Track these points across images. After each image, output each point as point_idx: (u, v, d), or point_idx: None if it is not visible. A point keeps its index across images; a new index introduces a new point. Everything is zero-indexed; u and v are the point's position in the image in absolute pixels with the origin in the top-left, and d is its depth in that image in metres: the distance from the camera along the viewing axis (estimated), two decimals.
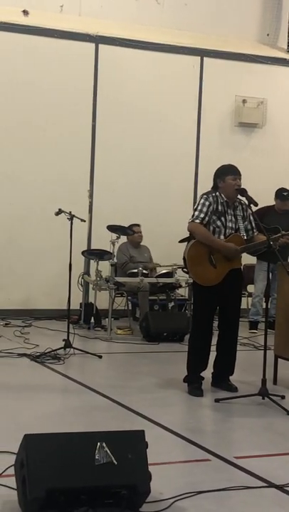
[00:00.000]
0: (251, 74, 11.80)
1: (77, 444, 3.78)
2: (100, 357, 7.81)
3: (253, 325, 10.04)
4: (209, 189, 6.56)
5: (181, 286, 10.03)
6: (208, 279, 6.30)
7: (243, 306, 8.22)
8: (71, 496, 3.62)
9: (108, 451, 3.72)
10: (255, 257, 9.43)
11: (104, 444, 3.72)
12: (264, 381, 6.04)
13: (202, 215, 6.29)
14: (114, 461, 3.71)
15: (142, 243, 10.36)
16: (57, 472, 3.64)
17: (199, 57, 11.55)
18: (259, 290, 9.94)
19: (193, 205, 11.05)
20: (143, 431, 3.90)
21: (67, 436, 3.93)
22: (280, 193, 9.85)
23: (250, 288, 10.30)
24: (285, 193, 9.84)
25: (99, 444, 3.72)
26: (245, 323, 9.83)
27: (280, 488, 4.19)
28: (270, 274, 9.73)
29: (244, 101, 11.73)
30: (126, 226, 9.93)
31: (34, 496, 3.55)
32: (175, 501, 3.91)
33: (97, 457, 3.70)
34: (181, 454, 4.92)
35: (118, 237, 9.55)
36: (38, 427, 4.81)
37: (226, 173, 6.40)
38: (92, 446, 3.72)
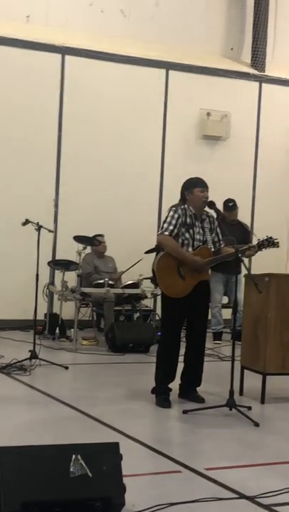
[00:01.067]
0: (215, 87, 11.93)
1: (51, 456, 3.77)
2: (67, 368, 7.80)
3: (217, 335, 10.12)
4: (174, 200, 6.63)
5: (146, 297, 10.07)
6: (177, 291, 6.35)
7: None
8: (46, 509, 3.62)
9: (83, 464, 3.72)
10: None
11: (79, 457, 3.73)
12: (231, 392, 6.10)
13: (171, 228, 6.34)
14: (89, 474, 3.71)
15: (106, 253, 10.38)
16: (31, 485, 3.63)
17: (165, 70, 11.65)
18: (217, 300, 10.07)
19: (159, 216, 11.28)
20: (117, 443, 3.92)
21: (41, 448, 3.92)
22: (226, 204, 10.04)
23: None
24: (230, 204, 10.02)
25: (74, 456, 3.72)
26: (209, 334, 9.90)
27: (251, 499, 4.23)
28: (226, 286, 10.02)
29: (208, 114, 11.84)
30: (91, 237, 9.93)
31: (9, 509, 3.54)
32: None
33: (72, 469, 3.70)
34: (152, 465, 4.93)
35: (84, 248, 9.56)
36: (6, 439, 4.79)
37: (194, 186, 6.46)
38: (66, 458, 3.72)
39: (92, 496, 3.70)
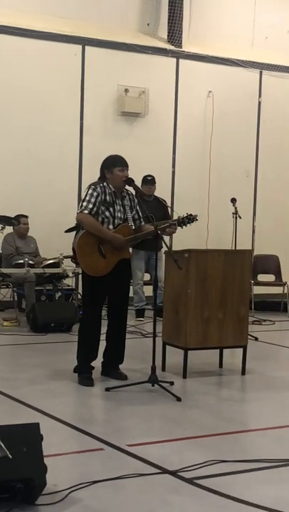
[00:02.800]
0: (133, 63, 11.87)
1: None
2: None
3: (140, 312, 10.15)
4: (94, 177, 6.58)
5: (68, 276, 10.00)
6: (97, 270, 6.32)
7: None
8: None
9: (2, 446, 3.67)
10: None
11: None
12: (153, 368, 6.13)
13: (90, 206, 6.29)
14: (9, 455, 3.67)
15: (28, 234, 10.24)
16: None
17: (81, 46, 11.51)
18: (139, 277, 10.11)
19: (78, 195, 11.19)
20: (38, 423, 3.88)
21: None
22: (145, 178, 10.08)
23: None
24: (149, 178, 10.06)
25: None
26: (131, 312, 9.94)
27: (174, 473, 4.26)
28: (147, 263, 10.07)
29: (126, 90, 11.78)
30: (11, 216, 9.78)
31: None
32: (70, 492, 3.90)
33: None
34: (74, 444, 4.90)
35: (3, 228, 9.41)
36: None
37: (114, 165, 6.42)
38: None
39: (13, 477, 3.65)
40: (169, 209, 10.61)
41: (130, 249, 9.68)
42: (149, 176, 10.13)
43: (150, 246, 8.57)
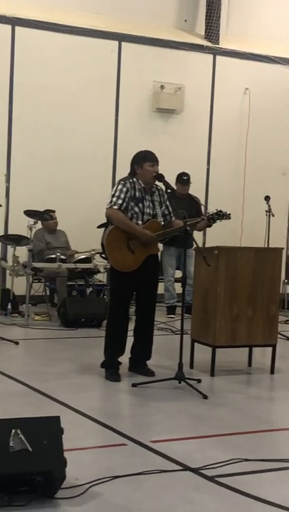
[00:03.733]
0: (169, 60, 11.82)
1: None
2: (17, 343, 7.73)
3: (171, 309, 10.13)
4: (127, 175, 6.56)
5: (99, 272, 10.02)
6: (126, 265, 6.31)
7: (159, 291, 8.27)
8: None
9: (23, 438, 3.68)
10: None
11: (18, 431, 3.69)
12: (180, 365, 6.11)
13: (120, 201, 6.28)
14: (29, 448, 3.68)
15: (58, 228, 10.27)
16: None
17: (117, 42, 11.50)
18: (170, 274, 10.09)
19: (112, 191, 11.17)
20: (58, 417, 3.88)
21: None
22: (180, 177, 10.00)
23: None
24: (184, 177, 9.99)
25: (13, 430, 3.68)
26: (163, 308, 9.93)
27: (196, 471, 4.23)
28: (178, 259, 10.03)
29: (162, 87, 11.74)
30: (42, 211, 9.82)
31: None
32: (91, 486, 3.90)
33: (11, 444, 3.66)
34: (98, 439, 4.91)
35: (35, 222, 9.45)
36: None
37: (144, 160, 6.40)
38: (6, 433, 3.68)
39: (33, 470, 3.66)
40: (203, 207, 10.55)
41: (161, 246, 9.77)
42: (184, 175, 10.06)
43: (181, 243, 8.56)
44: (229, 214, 6.57)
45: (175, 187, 9.82)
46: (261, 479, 4.18)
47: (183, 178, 10.02)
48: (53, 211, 10.15)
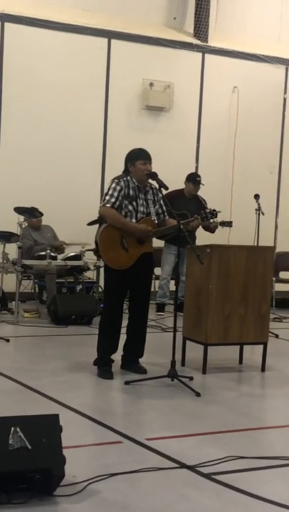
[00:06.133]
0: (158, 57, 11.86)
1: None
2: (8, 340, 7.72)
3: (161, 307, 10.15)
4: (117, 171, 6.59)
5: (89, 269, 10.02)
6: (120, 263, 6.32)
7: (152, 288, 8.29)
8: None
9: (22, 436, 3.69)
10: (162, 241, 9.56)
11: (18, 429, 3.69)
12: (173, 363, 6.13)
13: (113, 200, 6.29)
14: (29, 446, 3.68)
15: (43, 223, 10.22)
16: None
17: (107, 39, 11.51)
18: (167, 273, 10.07)
19: (101, 188, 11.20)
20: (57, 415, 3.89)
21: None
22: (194, 178, 9.96)
23: (157, 271, 10.39)
24: (198, 178, 9.97)
25: (13, 428, 3.69)
26: (152, 306, 9.92)
27: (192, 468, 4.26)
28: (178, 258, 10.03)
29: (151, 84, 11.77)
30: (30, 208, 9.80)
31: None
32: (88, 484, 3.91)
33: (10, 442, 3.67)
34: (93, 436, 4.92)
35: (25, 219, 9.44)
36: None
37: (137, 158, 6.41)
38: (5, 430, 3.69)
39: (32, 467, 3.67)
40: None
41: (162, 243, 9.78)
42: (198, 176, 10.07)
43: (183, 242, 8.57)
44: (216, 210, 6.69)
45: (184, 186, 9.84)
46: (257, 476, 4.21)
47: (196, 179, 9.97)
48: (36, 209, 10.10)
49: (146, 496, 3.87)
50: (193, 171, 12.19)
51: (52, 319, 9.09)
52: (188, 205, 9.27)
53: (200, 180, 9.97)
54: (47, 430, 3.78)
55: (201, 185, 10.04)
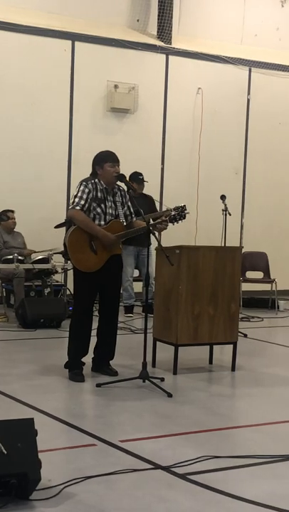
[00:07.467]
0: (122, 59, 11.86)
1: None
2: None
3: (129, 309, 10.16)
4: (84, 173, 6.60)
5: (57, 272, 9.98)
6: (89, 266, 6.31)
7: None
8: None
9: None
10: None
11: None
12: (144, 364, 6.14)
13: (82, 202, 6.29)
14: (4, 451, 3.66)
15: (15, 229, 10.21)
16: None
17: (70, 42, 11.48)
18: (129, 274, 10.09)
19: (68, 190, 11.17)
20: (32, 419, 3.87)
21: None
22: (136, 177, 10.07)
23: None
24: (140, 177, 10.07)
25: None
26: (120, 308, 9.92)
27: (167, 469, 4.26)
28: (137, 258, 10.09)
29: (116, 86, 11.76)
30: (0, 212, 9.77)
31: None
32: (64, 487, 3.90)
33: None
34: (67, 440, 4.91)
35: None
36: None
37: (105, 161, 6.41)
38: None
39: (8, 472, 3.64)
40: (157, 202, 10.62)
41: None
42: (140, 174, 10.12)
43: (139, 241, 8.60)
44: (184, 205, 6.70)
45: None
46: (232, 476, 4.23)
47: (139, 178, 10.07)
48: (12, 211, 10.08)
49: (122, 498, 3.87)
50: (159, 172, 12.25)
51: (20, 323, 9.04)
52: (137, 204, 9.30)
53: (143, 179, 10.08)
54: (22, 434, 3.77)
55: (144, 182, 10.17)
